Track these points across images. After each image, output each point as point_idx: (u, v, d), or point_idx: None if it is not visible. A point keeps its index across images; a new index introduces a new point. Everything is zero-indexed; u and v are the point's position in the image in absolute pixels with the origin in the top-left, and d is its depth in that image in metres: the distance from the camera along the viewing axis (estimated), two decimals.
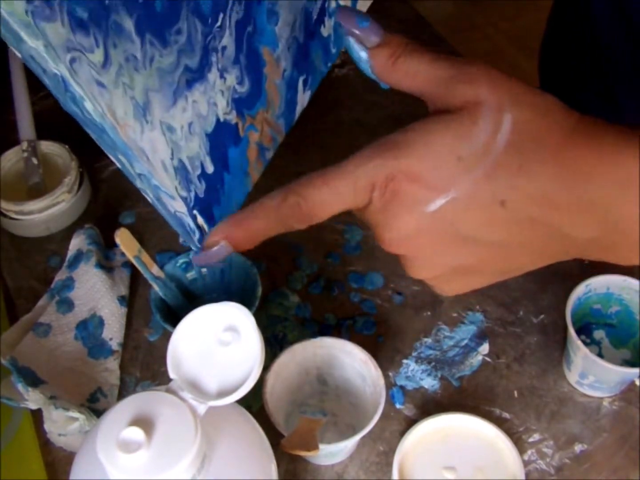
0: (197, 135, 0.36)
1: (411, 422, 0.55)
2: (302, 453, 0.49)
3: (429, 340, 0.62)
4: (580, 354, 0.55)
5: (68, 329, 0.62)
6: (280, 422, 0.52)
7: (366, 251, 0.68)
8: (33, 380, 0.56)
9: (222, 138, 0.37)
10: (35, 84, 0.77)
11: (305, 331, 0.63)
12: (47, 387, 0.56)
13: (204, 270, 0.62)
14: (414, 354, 0.62)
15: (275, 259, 0.67)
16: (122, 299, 0.64)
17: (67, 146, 0.72)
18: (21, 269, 0.68)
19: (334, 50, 0.42)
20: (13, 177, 0.72)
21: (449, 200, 0.35)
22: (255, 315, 0.40)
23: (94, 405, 0.57)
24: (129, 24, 0.31)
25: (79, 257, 0.65)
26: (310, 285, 0.66)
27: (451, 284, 0.41)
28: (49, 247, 0.70)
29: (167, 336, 0.61)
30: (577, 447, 0.56)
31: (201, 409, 0.37)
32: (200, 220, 0.38)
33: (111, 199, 0.74)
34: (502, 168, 0.34)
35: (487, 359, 0.61)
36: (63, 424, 0.54)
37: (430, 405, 0.59)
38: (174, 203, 0.36)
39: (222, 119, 0.37)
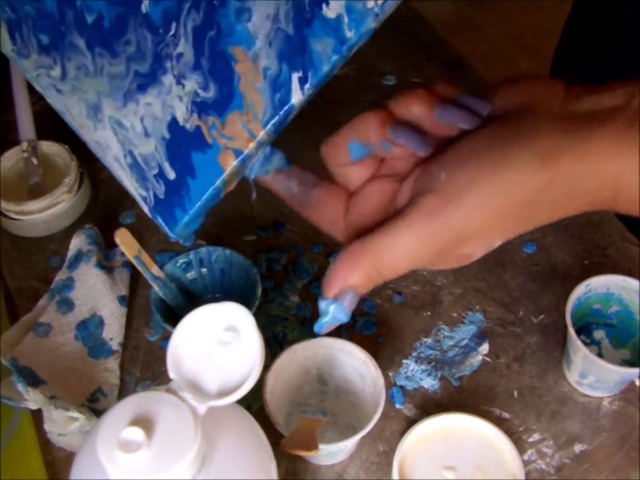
0: (154, 138, 0.37)
1: (411, 422, 0.55)
2: (302, 453, 0.49)
3: (429, 340, 0.62)
4: (580, 354, 0.55)
5: (68, 328, 0.62)
6: (280, 422, 0.52)
7: None
8: (33, 380, 0.56)
9: (183, 143, 0.37)
10: None
11: (305, 331, 0.63)
12: (47, 387, 0.56)
13: (203, 270, 0.62)
14: (414, 354, 0.62)
15: (275, 259, 0.67)
16: (122, 299, 0.64)
17: (67, 146, 0.72)
18: (21, 269, 0.68)
19: (350, 34, 0.34)
20: (13, 177, 0.72)
21: None
22: (255, 315, 0.40)
23: (94, 405, 0.57)
24: (80, 42, 0.38)
25: (79, 257, 0.65)
26: (310, 285, 0.66)
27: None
28: (49, 247, 0.70)
29: (167, 336, 0.61)
30: (577, 447, 0.56)
31: (201, 409, 0.37)
32: (160, 221, 0.39)
33: (111, 199, 0.74)
34: None
35: (487, 359, 0.61)
36: (63, 424, 0.54)
37: (430, 405, 0.59)
38: (138, 199, 0.39)
39: (181, 124, 0.37)
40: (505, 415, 0.58)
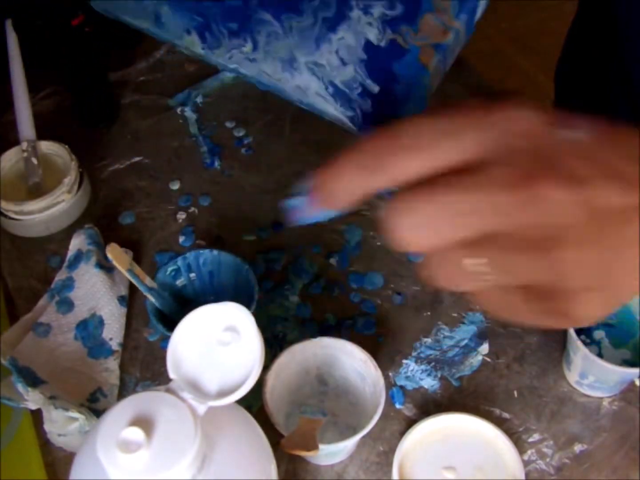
0: (351, 64, 0.43)
1: (411, 422, 0.55)
2: (302, 453, 0.49)
3: (429, 340, 0.62)
4: (580, 354, 0.55)
5: (68, 329, 0.62)
6: (280, 422, 0.52)
7: (366, 251, 0.68)
8: (33, 380, 0.56)
9: (381, 58, 0.42)
10: (35, 84, 0.77)
11: (305, 331, 0.63)
12: (47, 387, 0.56)
13: (192, 275, 0.62)
14: (414, 354, 0.62)
15: (275, 259, 0.67)
16: (122, 299, 0.64)
17: (67, 146, 0.72)
18: (21, 269, 0.68)
19: None
20: (13, 177, 0.72)
21: None
22: (255, 315, 0.40)
23: (94, 405, 0.57)
24: (267, 16, 0.45)
25: (79, 257, 0.65)
26: (310, 285, 0.66)
27: None
28: (49, 247, 0.70)
29: (166, 336, 0.61)
30: (577, 447, 0.56)
31: (201, 409, 0.37)
32: None
33: (111, 199, 0.74)
34: None
35: (487, 359, 0.61)
36: (63, 424, 0.54)
37: (430, 405, 0.59)
38: (346, 122, 0.44)
39: (376, 43, 0.42)
40: (505, 415, 0.58)
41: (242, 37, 0.46)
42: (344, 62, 0.43)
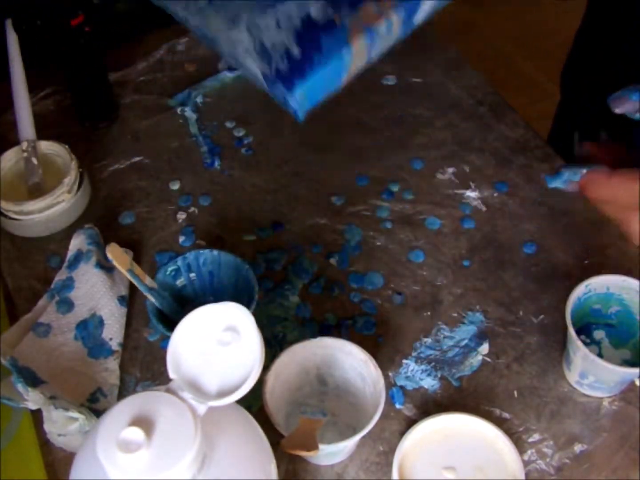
0: (285, 29, 0.43)
1: (411, 422, 0.55)
2: (302, 453, 0.49)
3: (429, 340, 0.62)
4: (580, 354, 0.55)
5: (68, 329, 0.62)
6: (280, 422, 0.52)
7: (366, 251, 0.68)
8: (33, 380, 0.56)
9: (313, 30, 0.42)
10: (35, 84, 0.77)
11: (305, 331, 0.63)
12: (47, 387, 0.56)
13: (192, 275, 0.62)
14: (414, 354, 0.62)
15: (275, 259, 0.67)
16: (122, 299, 0.64)
17: (67, 146, 0.72)
18: (21, 269, 0.68)
19: None
20: (13, 177, 0.72)
21: None
22: (255, 315, 0.40)
23: (94, 405, 0.57)
24: None
25: (79, 257, 0.65)
26: (310, 285, 0.66)
27: None
28: (49, 247, 0.70)
29: (166, 336, 0.61)
30: (577, 447, 0.56)
31: (201, 409, 0.37)
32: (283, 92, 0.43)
33: (111, 199, 0.74)
34: None
35: (487, 359, 0.61)
36: (63, 424, 0.54)
37: (430, 405, 0.59)
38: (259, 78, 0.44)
39: (314, 16, 0.42)
40: (505, 415, 0.58)
41: None
42: (279, 27, 0.44)
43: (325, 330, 0.63)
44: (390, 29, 0.42)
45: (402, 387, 0.60)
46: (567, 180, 0.50)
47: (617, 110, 0.48)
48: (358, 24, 0.42)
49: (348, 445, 0.52)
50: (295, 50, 0.42)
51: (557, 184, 0.51)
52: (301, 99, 0.42)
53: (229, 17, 0.45)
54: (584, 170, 0.50)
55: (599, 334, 0.61)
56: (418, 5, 0.43)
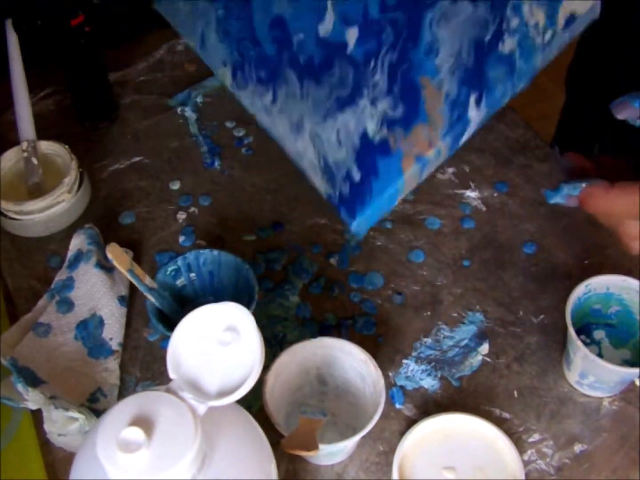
0: (345, 147, 0.46)
1: (411, 422, 0.55)
2: (302, 453, 0.49)
3: (429, 340, 0.62)
4: (580, 354, 0.55)
5: (68, 329, 0.62)
6: (280, 422, 0.52)
7: (366, 251, 0.68)
8: (33, 380, 0.56)
9: (370, 151, 0.45)
10: (35, 84, 0.77)
11: (305, 331, 0.63)
12: (47, 387, 0.56)
13: (192, 275, 0.62)
14: (414, 354, 0.62)
15: (275, 259, 0.67)
16: (122, 299, 0.64)
17: (67, 146, 0.72)
18: (21, 269, 0.68)
19: (523, 65, 0.45)
20: (13, 177, 0.72)
21: None
22: (255, 315, 0.40)
23: (94, 405, 0.57)
24: (293, 75, 0.48)
25: (79, 257, 0.65)
26: (310, 285, 0.66)
27: None
28: (49, 247, 0.70)
29: (167, 336, 0.61)
30: (577, 447, 0.56)
31: (201, 409, 0.37)
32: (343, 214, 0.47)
33: (111, 199, 0.74)
34: None
35: (487, 359, 0.61)
36: (63, 424, 0.54)
37: (430, 405, 0.59)
38: (324, 196, 0.47)
39: (371, 136, 0.45)
40: (505, 415, 0.58)
41: (267, 86, 0.49)
42: (340, 143, 0.46)
43: (325, 330, 0.63)
44: (439, 155, 0.45)
45: (402, 387, 0.60)
46: (566, 194, 0.51)
47: (619, 116, 0.49)
48: (410, 152, 0.44)
49: (348, 445, 0.52)
50: (356, 175, 0.45)
51: (557, 199, 0.51)
52: (360, 225, 0.46)
53: (292, 121, 0.48)
54: (583, 185, 0.50)
55: (599, 334, 0.61)
56: (464, 132, 0.45)
